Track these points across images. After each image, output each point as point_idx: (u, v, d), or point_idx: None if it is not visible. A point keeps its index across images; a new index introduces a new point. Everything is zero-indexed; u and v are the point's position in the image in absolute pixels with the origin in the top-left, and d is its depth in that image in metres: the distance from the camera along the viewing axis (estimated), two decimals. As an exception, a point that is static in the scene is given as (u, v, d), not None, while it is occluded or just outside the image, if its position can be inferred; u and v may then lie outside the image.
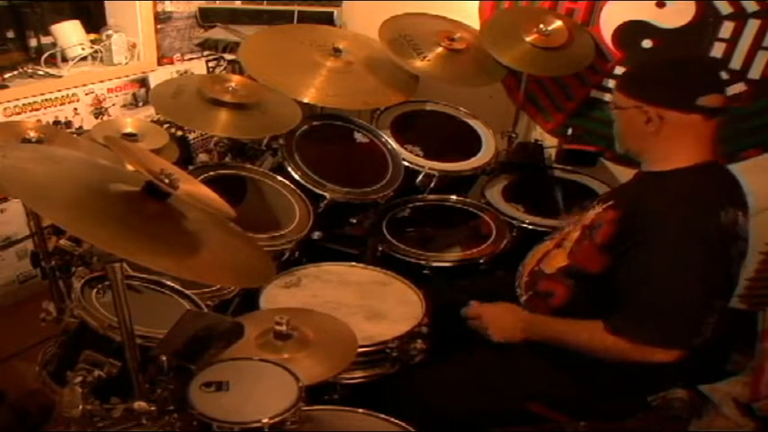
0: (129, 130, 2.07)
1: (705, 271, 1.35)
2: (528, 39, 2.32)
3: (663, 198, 1.41)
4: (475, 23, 2.56)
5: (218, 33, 2.69)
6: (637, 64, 1.80)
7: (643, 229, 1.38)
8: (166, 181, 1.02)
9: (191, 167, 2.07)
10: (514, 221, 2.16)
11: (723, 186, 1.45)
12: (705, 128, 1.41)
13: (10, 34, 2.26)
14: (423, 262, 1.95)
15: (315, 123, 2.26)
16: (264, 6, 2.75)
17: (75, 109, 2.29)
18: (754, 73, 2.18)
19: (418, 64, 2.30)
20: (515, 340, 1.57)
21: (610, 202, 1.52)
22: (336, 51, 2.32)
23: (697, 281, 1.35)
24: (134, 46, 2.46)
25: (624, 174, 2.36)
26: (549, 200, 2.33)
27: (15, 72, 2.19)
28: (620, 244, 1.42)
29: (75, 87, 2.28)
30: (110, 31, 2.39)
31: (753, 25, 2.14)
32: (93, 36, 2.40)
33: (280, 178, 2.07)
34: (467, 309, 1.66)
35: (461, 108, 2.53)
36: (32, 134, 1.66)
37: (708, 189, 1.41)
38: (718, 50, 2.21)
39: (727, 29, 2.18)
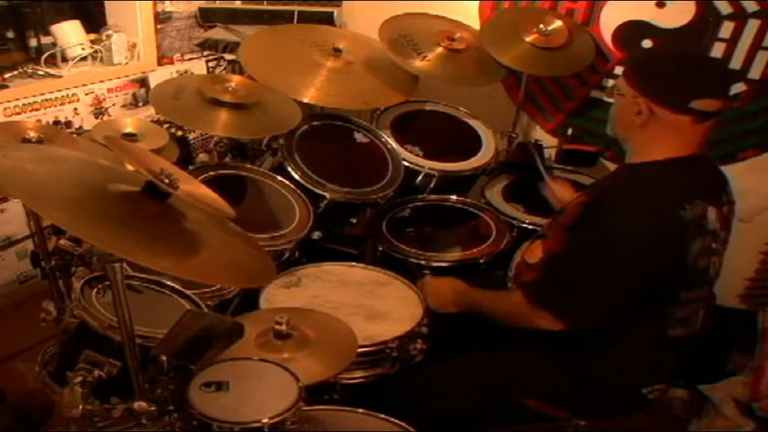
0: (129, 130, 2.06)
1: (626, 262, 1.37)
2: (528, 39, 2.32)
3: (622, 186, 1.43)
4: (475, 23, 2.56)
5: (218, 33, 2.69)
6: (644, 53, 1.78)
7: (596, 212, 1.41)
8: (166, 181, 1.02)
9: (191, 167, 2.07)
10: (514, 221, 2.16)
11: (695, 180, 1.43)
12: (693, 130, 1.39)
13: (10, 34, 2.26)
14: (423, 262, 1.95)
15: (315, 123, 2.26)
16: (264, 6, 2.74)
17: (75, 109, 2.29)
18: (754, 73, 2.18)
19: (418, 64, 2.30)
20: (448, 310, 1.68)
21: (585, 190, 1.55)
22: (336, 51, 2.32)
23: (613, 268, 1.38)
24: (134, 46, 2.46)
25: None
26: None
27: (15, 72, 2.19)
28: (579, 226, 1.45)
29: (75, 87, 2.28)
30: (110, 31, 2.39)
31: (753, 25, 2.14)
32: (93, 36, 2.40)
33: (280, 178, 2.07)
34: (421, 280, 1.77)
35: (461, 108, 2.52)
36: (32, 134, 1.66)
37: (670, 182, 1.40)
38: (718, 50, 2.21)
39: (727, 29, 2.18)
